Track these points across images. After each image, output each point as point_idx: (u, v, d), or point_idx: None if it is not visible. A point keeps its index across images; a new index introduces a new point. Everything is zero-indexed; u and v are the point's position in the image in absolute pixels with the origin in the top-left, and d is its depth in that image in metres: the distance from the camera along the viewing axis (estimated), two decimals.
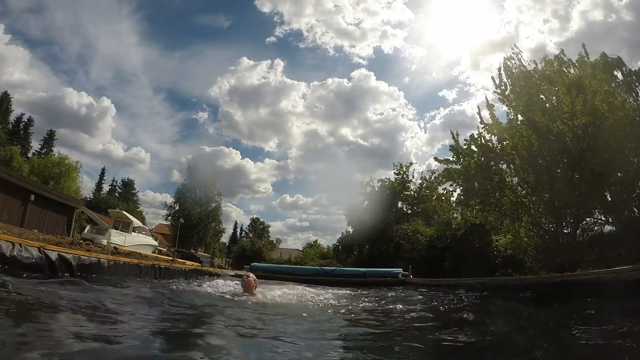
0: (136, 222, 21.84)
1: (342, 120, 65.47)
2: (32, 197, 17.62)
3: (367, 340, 2.28)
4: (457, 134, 10.87)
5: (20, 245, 3.29)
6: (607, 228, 10.14)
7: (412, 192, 27.98)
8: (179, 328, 2.29)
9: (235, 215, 77.62)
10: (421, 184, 27.44)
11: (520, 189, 10.49)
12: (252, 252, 33.01)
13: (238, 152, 66.38)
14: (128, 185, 53.26)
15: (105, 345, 1.65)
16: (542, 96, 10.06)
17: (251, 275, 4.77)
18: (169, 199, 40.54)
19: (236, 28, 65.24)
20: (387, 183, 28.12)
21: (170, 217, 38.96)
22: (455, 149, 10.78)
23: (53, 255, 3.54)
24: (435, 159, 11.59)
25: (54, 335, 1.74)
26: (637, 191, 9.47)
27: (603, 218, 10.05)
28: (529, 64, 10.75)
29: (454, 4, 60.75)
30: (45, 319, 2.09)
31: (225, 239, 51.41)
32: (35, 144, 41.24)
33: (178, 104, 76.19)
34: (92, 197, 43.66)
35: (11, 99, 40.06)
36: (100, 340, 1.69)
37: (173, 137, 69.27)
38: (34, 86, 61.37)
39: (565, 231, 9.69)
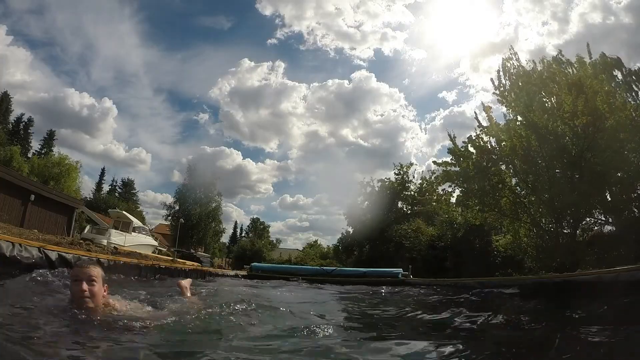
0: (136, 222, 21.84)
1: (343, 121, 65.45)
2: (32, 197, 17.62)
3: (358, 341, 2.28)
4: (454, 137, 10.89)
5: (20, 245, 3.29)
6: (607, 228, 10.15)
7: (412, 192, 28.01)
8: None
9: (235, 215, 77.62)
10: (421, 184, 27.46)
11: (519, 189, 10.50)
12: (252, 252, 33.03)
13: (239, 152, 66.57)
14: (128, 185, 53.28)
15: None
16: (543, 93, 10.07)
17: (94, 270, 2.16)
18: (170, 199, 40.60)
19: (237, 30, 65.33)
20: (387, 183, 28.13)
21: (170, 217, 38.99)
22: (453, 151, 10.79)
23: (53, 255, 3.55)
24: (434, 162, 11.60)
25: None
26: (637, 191, 9.47)
27: (603, 218, 10.05)
28: (527, 64, 10.78)
29: (453, 7, 60.98)
30: None
31: (225, 239, 51.47)
32: (35, 144, 41.30)
33: (179, 104, 76.39)
34: (92, 197, 43.65)
35: (11, 99, 40.12)
36: None
37: (174, 138, 69.38)
38: (36, 87, 61.57)
39: (565, 231, 9.69)
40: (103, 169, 53.42)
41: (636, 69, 10.81)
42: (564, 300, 3.57)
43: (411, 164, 29.16)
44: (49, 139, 41.94)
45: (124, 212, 22.65)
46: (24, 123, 40.88)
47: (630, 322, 2.27)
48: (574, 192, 8.98)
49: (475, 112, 10.63)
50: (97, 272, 2.16)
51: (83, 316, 1.96)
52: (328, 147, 58.54)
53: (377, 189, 28.14)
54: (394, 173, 28.45)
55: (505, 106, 10.49)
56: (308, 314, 3.25)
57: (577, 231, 9.70)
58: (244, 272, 9.89)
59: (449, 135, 10.92)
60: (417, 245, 19.59)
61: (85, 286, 2.06)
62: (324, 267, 12.10)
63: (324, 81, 67.77)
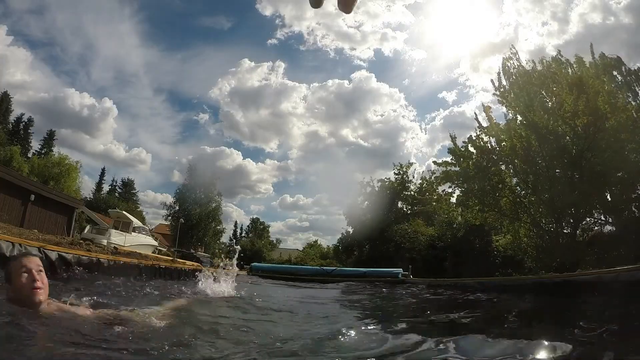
0: (136, 222, 21.83)
1: (343, 121, 65.25)
2: (32, 197, 17.60)
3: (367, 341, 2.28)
4: (455, 137, 10.91)
5: (20, 245, 3.29)
6: (607, 228, 10.15)
7: (412, 192, 28.02)
8: None
9: (235, 215, 77.30)
10: (421, 184, 27.47)
11: (519, 189, 10.51)
12: (252, 252, 33.07)
13: (239, 152, 66.42)
14: (128, 185, 53.22)
15: None
16: (543, 93, 10.07)
17: (38, 259, 1.92)
18: (170, 199, 40.58)
19: (237, 30, 64.99)
20: (387, 183, 28.14)
21: (170, 217, 38.99)
22: (453, 151, 10.80)
23: (53, 255, 3.54)
24: (435, 162, 11.63)
25: None
26: (637, 191, 9.47)
27: (603, 218, 10.06)
28: (527, 64, 10.78)
29: (453, 7, 60.89)
30: None
31: (225, 239, 51.36)
32: (35, 144, 41.25)
33: (179, 104, 76.22)
34: (92, 197, 43.62)
35: (11, 99, 40.09)
36: None
37: (174, 138, 69.15)
38: (36, 87, 61.34)
39: (565, 231, 9.69)
40: (103, 169, 53.33)
41: (636, 68, 10.81)
42: (562, 299, 3.57)
43: (411, 164, 29.19)
44: (49, 139, 41.89)
45: (124, 212, 22.63)
46: (24, 123, 40.84)
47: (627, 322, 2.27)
48: (574, 192, 8.98)
49: (475, 113, 10.67)
50: (40, 261, 1.91)
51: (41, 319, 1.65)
52: (328, 147, 58.43)
53: (377, 189, 28.15)
54: (394, 173, 28.48)
55: (505, 106, 10.51)
56: (307, 314, 3.25)
57: (577, 231, 9.69)
58: (243, 272, 9.89)
59: (450, 135, 10.95)
60: (416, 245, 19.60)
61: (36, 275, 1.77)
62: (324, 267, 12.11)
63: (324, 81, 67.53)
